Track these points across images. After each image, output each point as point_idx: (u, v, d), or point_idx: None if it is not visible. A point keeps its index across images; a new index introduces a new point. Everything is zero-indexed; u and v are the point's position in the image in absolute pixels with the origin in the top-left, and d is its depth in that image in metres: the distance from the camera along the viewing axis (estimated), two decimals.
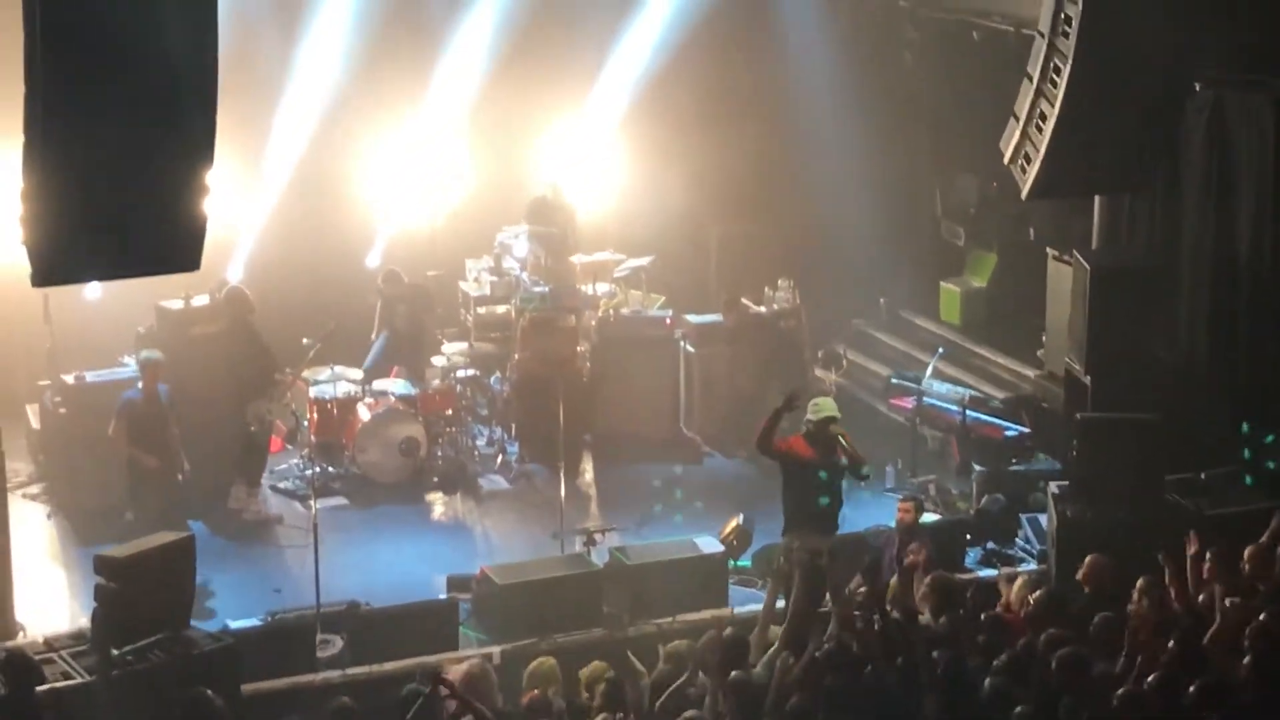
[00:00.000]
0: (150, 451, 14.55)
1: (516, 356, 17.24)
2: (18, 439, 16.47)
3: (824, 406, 12.77)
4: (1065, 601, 11.08)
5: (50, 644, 11.49)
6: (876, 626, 10.33)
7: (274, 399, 15.67)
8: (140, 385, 14.75)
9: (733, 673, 10.18)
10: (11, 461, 15.04)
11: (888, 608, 10.79)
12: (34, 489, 16.01)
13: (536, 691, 10.69)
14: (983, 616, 11.02)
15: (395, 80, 18.74)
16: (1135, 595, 10.90)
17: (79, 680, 11.00)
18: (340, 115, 18.46)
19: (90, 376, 15.63)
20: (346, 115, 18.54)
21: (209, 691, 9.98)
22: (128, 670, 11.07)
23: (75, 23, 9.29)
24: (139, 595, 11.24)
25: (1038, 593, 11.16)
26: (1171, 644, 9.76)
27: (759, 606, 12.90)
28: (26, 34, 9.28)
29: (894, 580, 12.68)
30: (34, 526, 15.30)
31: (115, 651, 11.12)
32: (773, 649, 11.28)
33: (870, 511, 15.31)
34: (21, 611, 13.13)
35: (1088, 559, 11.73)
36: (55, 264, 9.79)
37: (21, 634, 12.83)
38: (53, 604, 13.86)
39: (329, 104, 18.33)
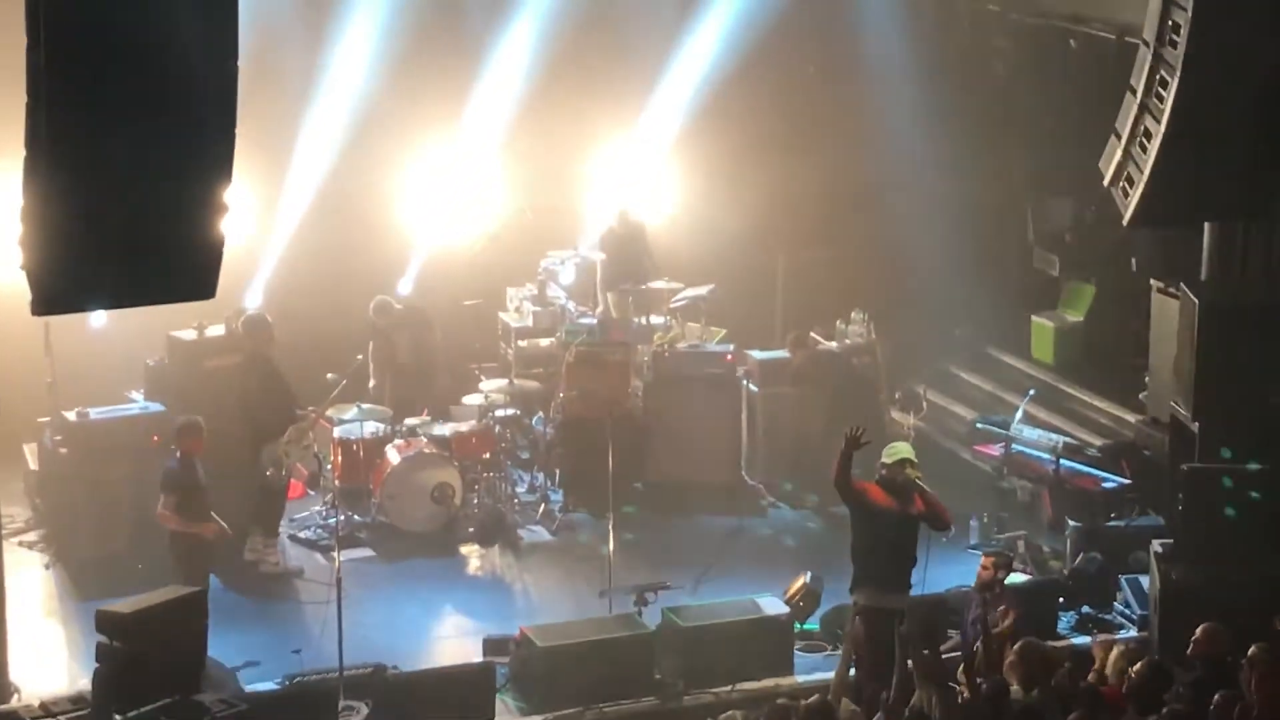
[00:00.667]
0: (198, 521, 14.38)
1: (561, 395, 17.25)
2: (14, 481, 16.63)
3: (898, 450, 12.89)
4: (1171, 676, 10.98)
5: (47, 708, 11.53)
6: (961, 698, 10.30)
7: (293, 440, 15.71)
8: (178, 455, 14.29)
9: None
10: (7, 506, 15.19)
11: (974, 678, 10.75)
12: (31, 536, 16.09)
13: None
14: (1081, 686, 10.95)
15: (431, 93, 18.85)
16: (1245, 668, 10.81)
17: None
18: (371, 129, 18.56)
19: (94, 413, 15.70)
20: (378, 129, 18.64)
21: None
22: None
23: (83, 25, 9.33)
24: (145, 655, 11.27)
25: (1138, 664, 11.07)
26: None
27: (828, 675, 12.83)
28: (29, 38, 9.34)
29: (977, 647, 12.59)
30: (31, 577, 15.36)
31: (119, 717, 11.13)
32: None
33: (952, 570, 15.20)
34: (16, 671, 13.15)
35: (1201, 628, 11.62)
36: (58, 290, 9.83)
37: (16, 697, 12.85)
38: (50, 664, 13.89)
39: (359, 117, 18.45)
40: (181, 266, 10.10)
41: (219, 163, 9.90)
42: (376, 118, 18.55)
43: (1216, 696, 10.41)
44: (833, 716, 10.82)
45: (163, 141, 9.58)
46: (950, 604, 14.21)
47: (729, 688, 13.03)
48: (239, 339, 16.07)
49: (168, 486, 14.12)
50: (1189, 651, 11.56)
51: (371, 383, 17.58)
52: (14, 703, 12.63)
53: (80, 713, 11.41)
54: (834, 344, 18.00)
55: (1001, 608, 12.76)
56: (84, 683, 12.12)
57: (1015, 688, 11.12)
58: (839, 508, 16.71)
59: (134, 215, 9.63)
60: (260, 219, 17.94)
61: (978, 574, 13.41)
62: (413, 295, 18.62)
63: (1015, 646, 11.71)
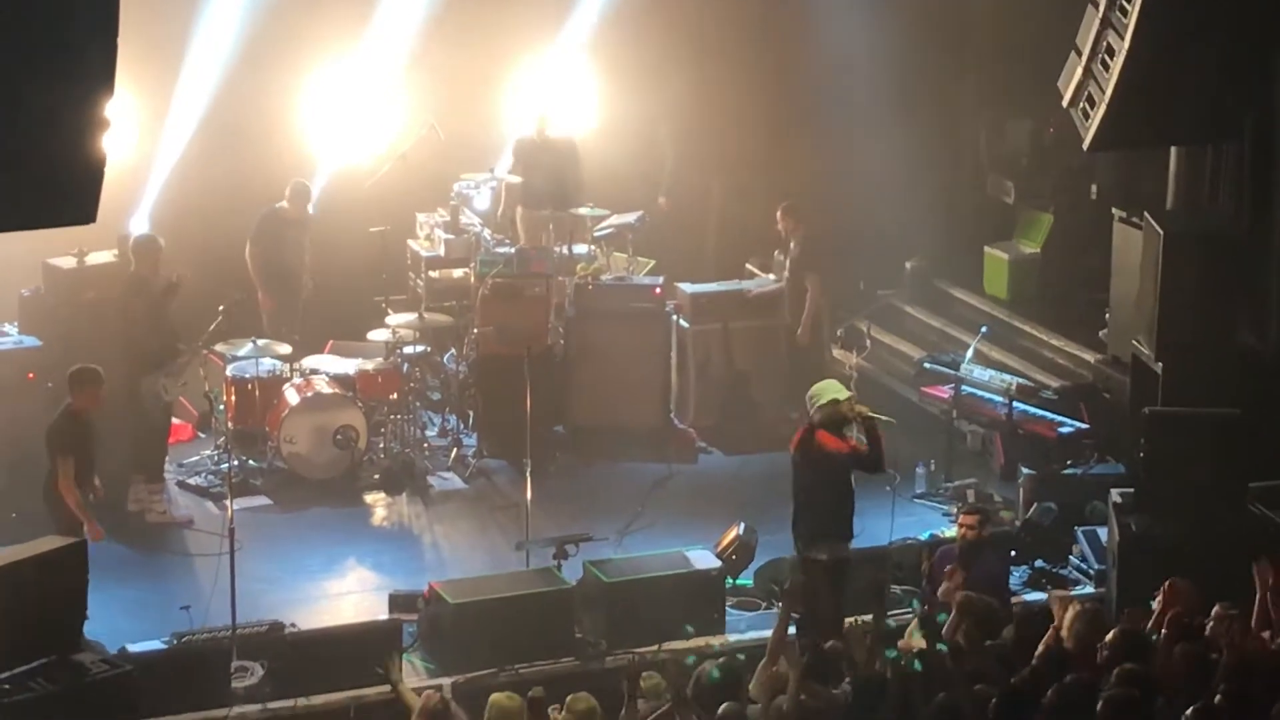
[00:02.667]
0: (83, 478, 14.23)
1: (475, 331, 17.21)
2: None
3: (821, 391, 13.15)
4: (1148, 643, 11.06)
5: None
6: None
7: (171, 375, 15.58)
8: (71, 409, 13.91)
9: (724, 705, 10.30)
10: None
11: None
12: None
13: None
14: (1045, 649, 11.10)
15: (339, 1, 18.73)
16: (1215, 627, 10.93)
17: None
18: (268, 39, 18.40)
19: None
20: (276, 39, 18.48)
21: None
22: (5, 700, 11.04)
23: None
24: (19, 612, 11.22)
25: (1110, 634, 11.13)
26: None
27: (762, 634, 12.90)
28: None
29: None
30: None
31: None
32: (792, 686, 11.22)
33: (897, 522, 15.30)
34: None
35: (1167, 584, 11.73)
36: None
37: None
38: None
39: (255, 25, 18.28)
40: (58, 187, 10.01)
41: (99, 72, 9.81)
42: (274, 26, 18.37)
43: (1177, 650, 10.53)
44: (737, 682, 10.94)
45: (35, 47, 9.48)
46: (894, 558, 14.30)
47: (655, 647, 13.07)
48: (123, 264, 15.96)
49: (64, 448, 13.66)
50: (1156, 609, 11.66)
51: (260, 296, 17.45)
52: None
53: None
54: (771, 276, 18.00)
55: (949, 567, 12.83)
56: None
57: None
58: (774, 454, 16.91)
59: (3, 130, 9.54)
60: (146, 136, 17.79)
61: (959, 533, 13.38)
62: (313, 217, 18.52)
63: (956, 600, 11.82)
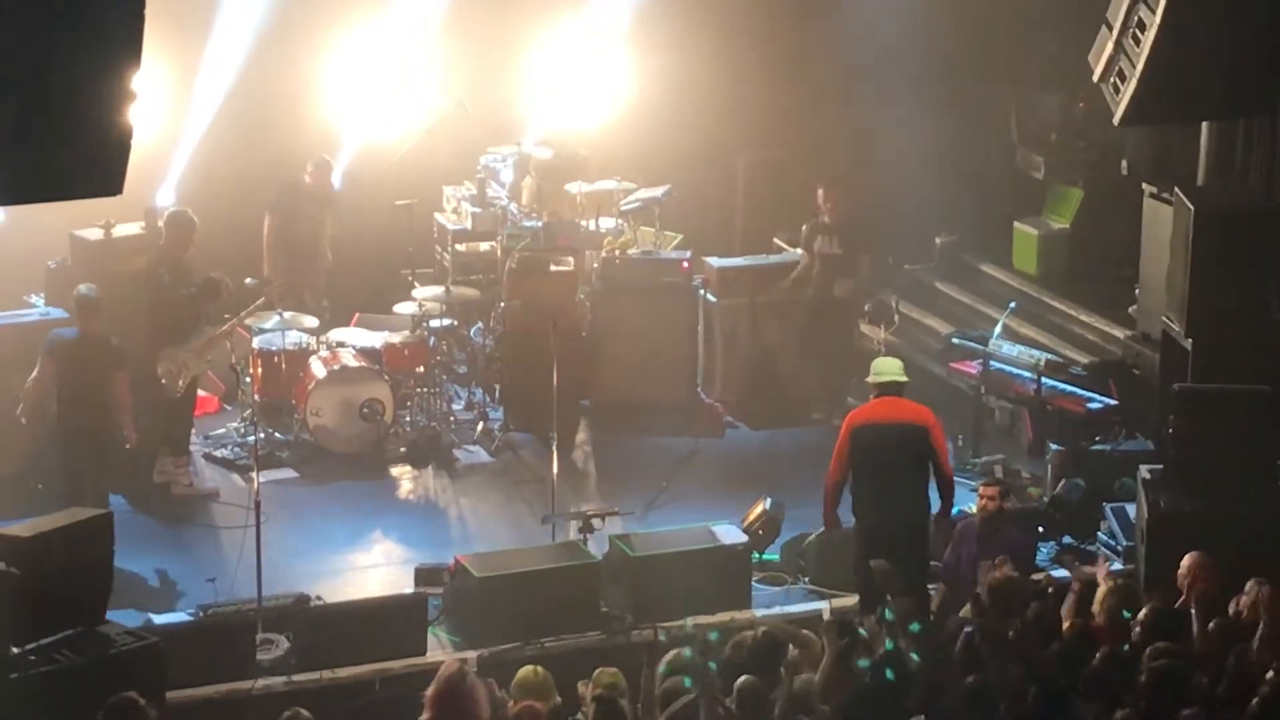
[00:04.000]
0: (83, 410, 14.41)
1: (502, 304, 17.23)
2: None
3: (884, 369, 13.38)
4: (1181, 621, 11.06)
5: None
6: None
7: (195, 350, 15.57)
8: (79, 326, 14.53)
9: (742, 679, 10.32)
10: None
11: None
12: None
13: (530, 704, 10.66)
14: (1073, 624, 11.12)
15: None
16: (1243, 603, 10.93)
17: None
18: (296, 12, 18.39)
19: None
20: (303, 12, 18.47)
21: (139, 699, 9.96)
22: (31, 672, 11.09)
23: None
24: (45, 583, 11.26)
25: (1143, 612, 11.14)
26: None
27: (789, 609, 12.93)
28: None
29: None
30: None
31: (16, 650, 11.13)
32: (825, 664, 11.18)
33: None
34: None
35: (1186, 558, 11.73)
36: None
37: None
38: None
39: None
40: (86, 159, 10.04)
41: (126, 45, 9.83)
42: None
43: (1212, 624, 10.55)
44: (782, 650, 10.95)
45: (64, 20, 9.51)
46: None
47: (681, 622, 13.06)
48: (153, 237, 15.97)
49: (51, 350, 14.41)
50: (1182, 587, 11.66)
51: (266, 273, 17.45)
52: None
53: None
54: (799, 251, 17.99)
55: (999, 558, 12.77)
56: None
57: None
58: (801, 429, 16.93)
59: (32, 102, 9.56)
60: (173, 109, 17.80)
61: (980, 504, 13.44)
62: (339, 193, 18.53)
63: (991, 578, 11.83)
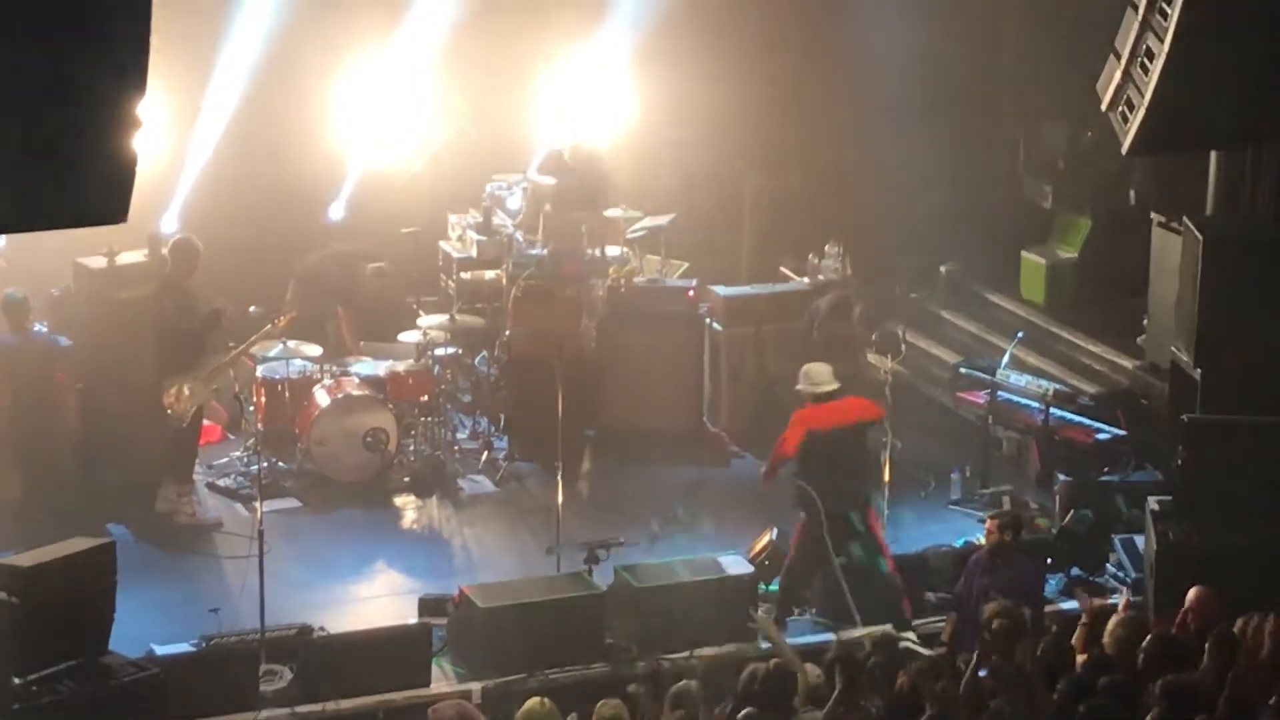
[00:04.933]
0: (33, 415, 14.54)
1: (507, 332, 17.22)
2: None
3: (823, 378, 14.28)
4: (1185, 649, 11.03)
5: None
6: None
7: (200, 379, 15.56)
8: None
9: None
10: None
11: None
12: None
13: None
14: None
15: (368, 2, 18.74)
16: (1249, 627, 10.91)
17: None
18: (300, 39, 18.41)
19: None
20: (308, 39, 18.50)
21: None
22: (32, 703, 11.07)
23: None
24: (47, 613, 11.24)
25: (1146, 640, 11.11)
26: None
27: (795, 640, 12.90)
28: None
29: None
30: None
31: (17, 680, 11.11)
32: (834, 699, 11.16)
33: (929, 529, 15.30)
34: None
35: (1191, 592, 11.70)
36: None
37: None
38: None
39: (287, 25, 18.28)
40: (89, 186, 10.00)
41: (131, 72, 9.80)
42: (306, 26, 18.39)
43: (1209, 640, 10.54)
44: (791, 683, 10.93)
45: (68, 47, 9.49)
46: (931, 564, 14.29)
47: (687, 654, 13.06)
48: (157, 265, 15.96)
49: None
50: (1181, 619, 11.63)
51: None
52: None
53: None
54: (805, 280, 17.97)
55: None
56: None
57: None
58: None
59: (35, 130, 9.54)
60: (177, 136, 17.82)
61: (986, 537, 13.44)
62: (343, 221, 18.56)
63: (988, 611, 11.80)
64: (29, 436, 15.11)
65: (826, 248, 17.99)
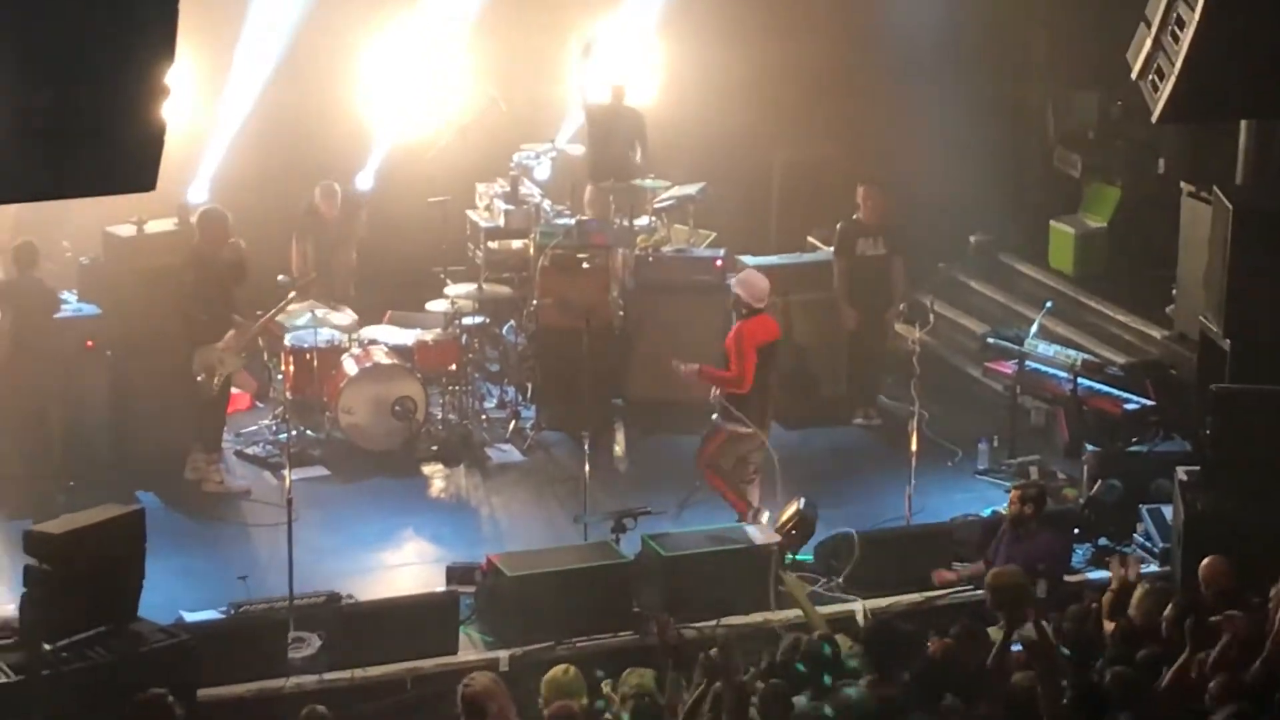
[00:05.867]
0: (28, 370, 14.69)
1: (535, 302, 17.24)
2: None
3: (759, 288, 14.92)
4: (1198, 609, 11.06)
5: None
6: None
7: (229, 347, 15.60)
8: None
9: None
10: None
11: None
12: None
13: (565, 704, 10.67)
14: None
15: None
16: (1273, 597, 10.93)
17: (3, 680, 11.06)
18: (329, 6, 18.43)
19: None
20: (336, 6, 18.52)
21: (166, 696, 10.01)
22: (63, 669, 11.12)
23: None
24: (77, 580, 11.29)
25: (1168, 608, 11.13)
26: None
27: (822, 609, 12.94)
28: None
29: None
30: None
31: (48, 646, 11.17)
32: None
33: (955, 499, 15.31)
34: None
35: (1204, 561, 11.73)
36: None
37: None
38: None
39: None
40: (118, 155, 10.06)
41: (159, 40, 9.85)
42: None
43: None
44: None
45: (96, 17, 9.53)
46: (956, 535, 14.30)
47: (714, 622, 13.07)
48: (186, 234, 16.01)
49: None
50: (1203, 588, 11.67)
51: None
52: None
53: (6, 641, 11.44)
54: (832, 249, 17.95)
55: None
56: (10, 609, 12.14)
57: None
58: (834, 428, 16.92)
59: (65, 98, 9.59)
60: (206, 104, 17.85)
61: (1008, 507, 13.47)
62: (371, 190, 18.59)
63: (989, 575, 11.84)
64: (28, 395, 15.10)
65: (854, 217, 17.80)
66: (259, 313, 16.03)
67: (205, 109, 17.84)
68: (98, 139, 9.85)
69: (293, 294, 16.25)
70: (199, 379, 15.45)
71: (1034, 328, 17.22)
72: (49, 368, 14.92)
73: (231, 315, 15.77)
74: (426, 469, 16.36)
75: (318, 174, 18.00)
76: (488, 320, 17.35)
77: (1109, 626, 11.47)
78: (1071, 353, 17.02)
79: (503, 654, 12.77)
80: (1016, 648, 10.94)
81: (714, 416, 14.88)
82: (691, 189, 18.38)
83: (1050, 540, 13.38)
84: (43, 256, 15.39)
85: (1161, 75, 14.67)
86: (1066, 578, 13.60)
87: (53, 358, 14.94)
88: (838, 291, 17.39)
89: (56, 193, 10.72)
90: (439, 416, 16.73)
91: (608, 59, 18.84)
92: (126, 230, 16.33)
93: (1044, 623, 10.83)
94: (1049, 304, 17.93)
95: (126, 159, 10.06)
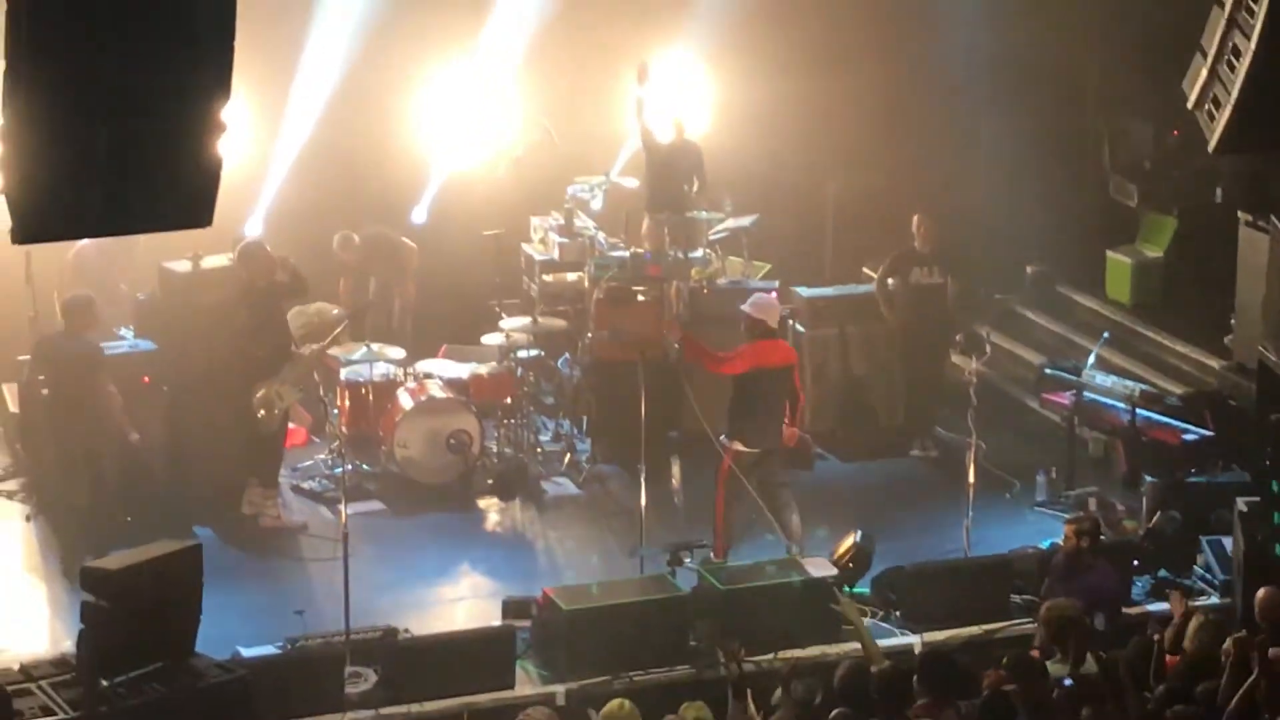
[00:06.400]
0: (70, 419, 14.68)
1: (590, 335, 17.25)
2: None
3: (770, 310, 15.11)
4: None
5: (28, 672, 11.58)
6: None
7: (287, 381, 15.65)
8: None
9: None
10: None
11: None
12: (11, 485, 16.20)
13: None
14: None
15: (450, 1, 18.80)
16: None
17: (61, 716, 11.08)
18: (383, 41, 18.51)
19: None
20: (390, 41, 18.60)
21: None
22: (120, 705, 11.14)
23: None
24: (135, 616, 11.32)
25: (1226, 642, 11.07)
26: None
27: (881, 642, 12.89)
28: None
29: None
30: (10, 530, 15.46)
31: (105, 683, 11.20)
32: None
33: (1018, 530, 15.24)
34: None
35: (1259, 592, 11.65)
36: (40, 217, 9.82)
37: None
38: (31, 624, 14.01)
39: (368, 28, 18.39)
40: (175, 191, 10.08)
41: (216, 77, 9.88)
42: (388, 29, 18.50)
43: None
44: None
45: (155, 53, 9.57)
46: (1016, 566, 14.23)
47: (771, 655, 13.05)
48: (239, 268, 16.09)
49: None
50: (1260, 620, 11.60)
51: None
52: None
53: (63, 677, 11.45)
54: (890, 281, 17.92)
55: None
56: (68, 645, 12.20)
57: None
58: (891, 460, 16.87)
59: (123, 134, 9.62)
60: (262, 139, 17.94)
61: (1063, 542, 13.40)
62: (426, 224, 18.65)
63: (1043, 609, 11.79)
64: (74, 439, 15.10)
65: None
66: (313, 347, 16.06)
67: (261, 144, 17.93)
68: (155, 175, 9.89)
69: (345, 323, 16.28)
70: (259, 414, 15.48)
71: (1091, 358, 17.16)
72: (95, 420, 14.89)
73: (289, 347, 15.82)
74: (482, 503, 16.37)
75: (373, 208, 18.09)
76: (543, 353, 17.36)
77: (1172, 660, 11.40)
78: (1129, 383, 16.95)
79: (559, 688, 12.76)
80: (1067, 682, 10.89)
81: (721, 437, 14.93)
82: (745, 221, 18.38)
83: (1107, 573, 13.32)
84: (101, 307, 15.37)
85: (1218, 105, 14.61)
86: (1126, 610, 13.51)
87: (100, 414, 14.90)
88: (879, 297, 17.42)
89: (114, 229, 10.76)
90: (494, 450, 16.74)
91: (664, 90, 18.85)
92: (183, 266, 16.40)
93: (1103, 656, 10.78)
94: (1106, 334, 17.86)
95: (183, 195, 10.09)
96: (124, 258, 17.14)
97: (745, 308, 15.03)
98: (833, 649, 13.22)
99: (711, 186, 18.48)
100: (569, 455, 16.97)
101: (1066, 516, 14.27)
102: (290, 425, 16.43)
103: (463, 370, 16.96)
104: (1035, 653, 11.59)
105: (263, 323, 15.65)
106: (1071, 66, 20.27)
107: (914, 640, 13.50)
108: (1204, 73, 14.63)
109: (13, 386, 16.52)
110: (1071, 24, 20.19)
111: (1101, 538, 13.60)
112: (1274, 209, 15.91)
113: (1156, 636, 11.80)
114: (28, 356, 15.99)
